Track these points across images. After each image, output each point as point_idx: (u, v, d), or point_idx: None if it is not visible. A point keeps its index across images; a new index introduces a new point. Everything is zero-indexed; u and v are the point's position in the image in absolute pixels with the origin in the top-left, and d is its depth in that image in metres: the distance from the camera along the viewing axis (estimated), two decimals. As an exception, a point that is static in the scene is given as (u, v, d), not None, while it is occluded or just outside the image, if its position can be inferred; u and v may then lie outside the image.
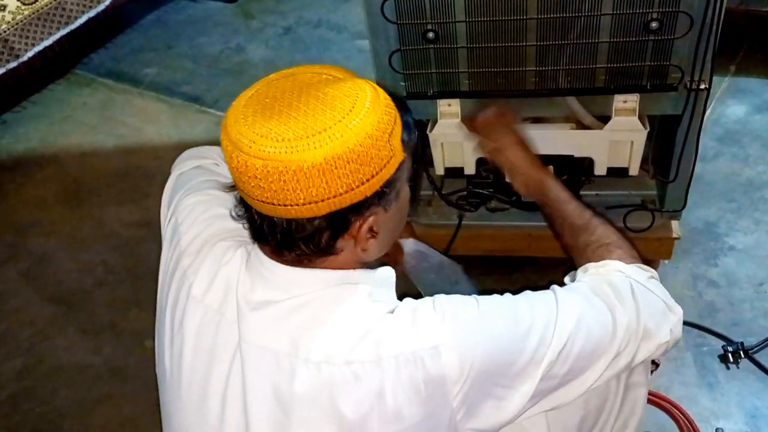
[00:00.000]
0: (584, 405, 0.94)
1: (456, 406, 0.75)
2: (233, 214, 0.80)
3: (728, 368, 1.40)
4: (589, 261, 0.94)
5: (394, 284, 0.81)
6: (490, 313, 0.78)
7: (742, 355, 1.39)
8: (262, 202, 0.72)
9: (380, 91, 0.74)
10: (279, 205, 0.71)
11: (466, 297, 0.79)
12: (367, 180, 0.71)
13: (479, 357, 0.74)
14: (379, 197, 0.74)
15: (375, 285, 0.79)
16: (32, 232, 1.97)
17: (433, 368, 0.73)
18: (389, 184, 0.74)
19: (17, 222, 2.01)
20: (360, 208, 0.73)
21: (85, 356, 1.63)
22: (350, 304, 0.76)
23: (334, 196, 0.70)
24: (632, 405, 0.98)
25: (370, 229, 0.76)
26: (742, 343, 1.40)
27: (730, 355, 1.40)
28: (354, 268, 0.79)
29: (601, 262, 0.93)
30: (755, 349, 1.40)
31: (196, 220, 0.88)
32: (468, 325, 0.76)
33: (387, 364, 0.73)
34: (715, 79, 1.19)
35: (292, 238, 0.74)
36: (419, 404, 0.73)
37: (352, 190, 0.70)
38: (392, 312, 0.76)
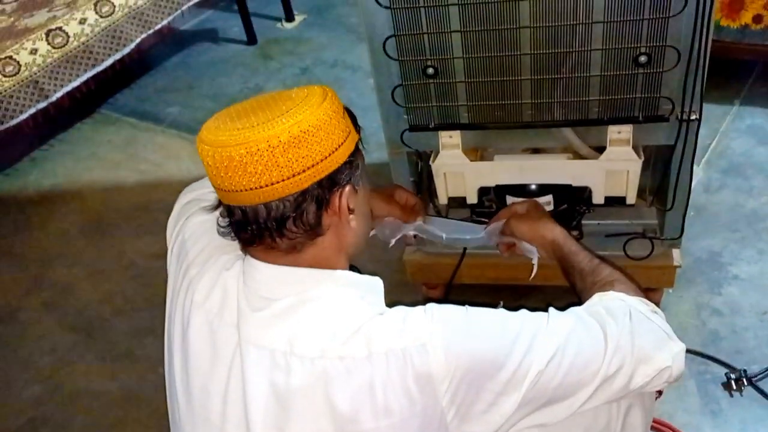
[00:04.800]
0: None
1: (445, 405, 0.78)
2: (219, 229, 0.87)
3: (731, 396, 1.40)
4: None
5: (383, 292, 0.86)
6: (479, 318, 0.83)
7: (746, 383, 1.40)
8: (249, 189, 0.77)
9: (328, 88, 0.85)
10: (265, 186, 0.77)
11: (457, 306, 0.84)
12: (336, 149, 0.80)
13: (465, 356, 0.78)
14: (350, 166, 0.83)
15: (365, 291, 0.84)
16: (56, 264, 2.05)
17: (420, 365, 0.77)
18: (354, 154, 0.84)
19: (42, 254, 2.10)
20: (336, 178, 0.81)
21: (101, 383, 1.68)
22: (343, 304, 0.82)
23: (313, 166, 0.78)
24: None
25: (348, 208, 0.83)
26: (745, 371, 1.41)
27: (733, 382, 1.40)
28: (340, 263, 0.85)
29: (605, 293, 0.95)
30: (759, 377, 1.41)
31: (203, 235, 0.95)
32: (456, 326, 0.80)
33: (377, 359, 0.77)
34: (720, 112, 1.22)
35: (283, 219, 0.79)
36: (409, 400, 0.77)
37: (326, 158, 0.79)
38: (382, 314, 0.81)
